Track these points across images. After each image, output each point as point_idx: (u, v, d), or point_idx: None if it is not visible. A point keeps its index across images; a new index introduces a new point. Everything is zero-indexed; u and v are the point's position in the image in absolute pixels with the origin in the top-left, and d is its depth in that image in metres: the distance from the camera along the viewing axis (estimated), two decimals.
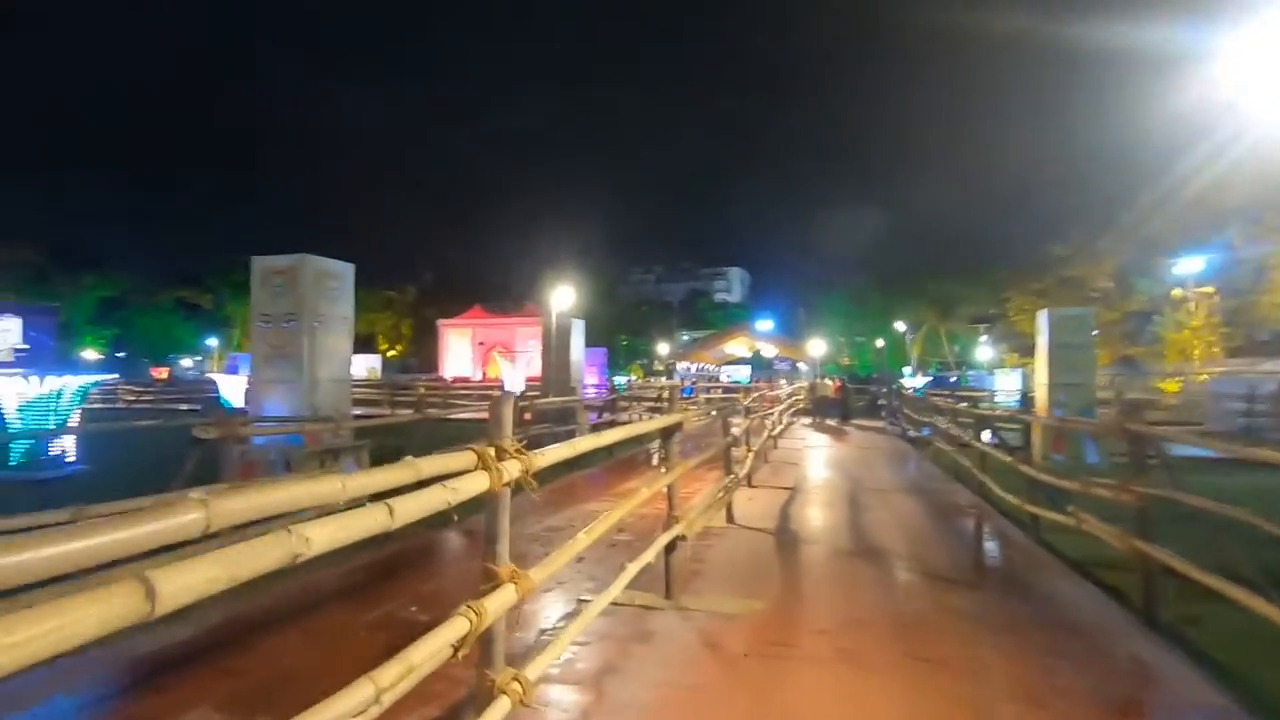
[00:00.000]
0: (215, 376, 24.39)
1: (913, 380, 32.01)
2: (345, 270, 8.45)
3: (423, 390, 17.62)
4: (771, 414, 13.40)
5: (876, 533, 6.46)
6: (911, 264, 45.99)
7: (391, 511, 1.53)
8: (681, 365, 39.08)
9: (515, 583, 2.10)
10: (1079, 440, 12.60)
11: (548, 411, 14.06)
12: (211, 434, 5.29)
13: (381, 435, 8.59)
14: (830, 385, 20.65)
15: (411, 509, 1.61)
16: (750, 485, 9.02)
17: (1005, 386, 36.31)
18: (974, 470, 8.58)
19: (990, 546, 6.33)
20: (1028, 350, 42.00)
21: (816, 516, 7.37)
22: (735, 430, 8.29)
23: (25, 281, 37.94)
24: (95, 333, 45.36)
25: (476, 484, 1.95)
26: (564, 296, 15.72)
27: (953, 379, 41.68)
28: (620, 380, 39.82)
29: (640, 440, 9.90)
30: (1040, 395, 13.19)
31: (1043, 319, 13.25)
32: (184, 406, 22.46)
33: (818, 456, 12.67)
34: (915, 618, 4.23)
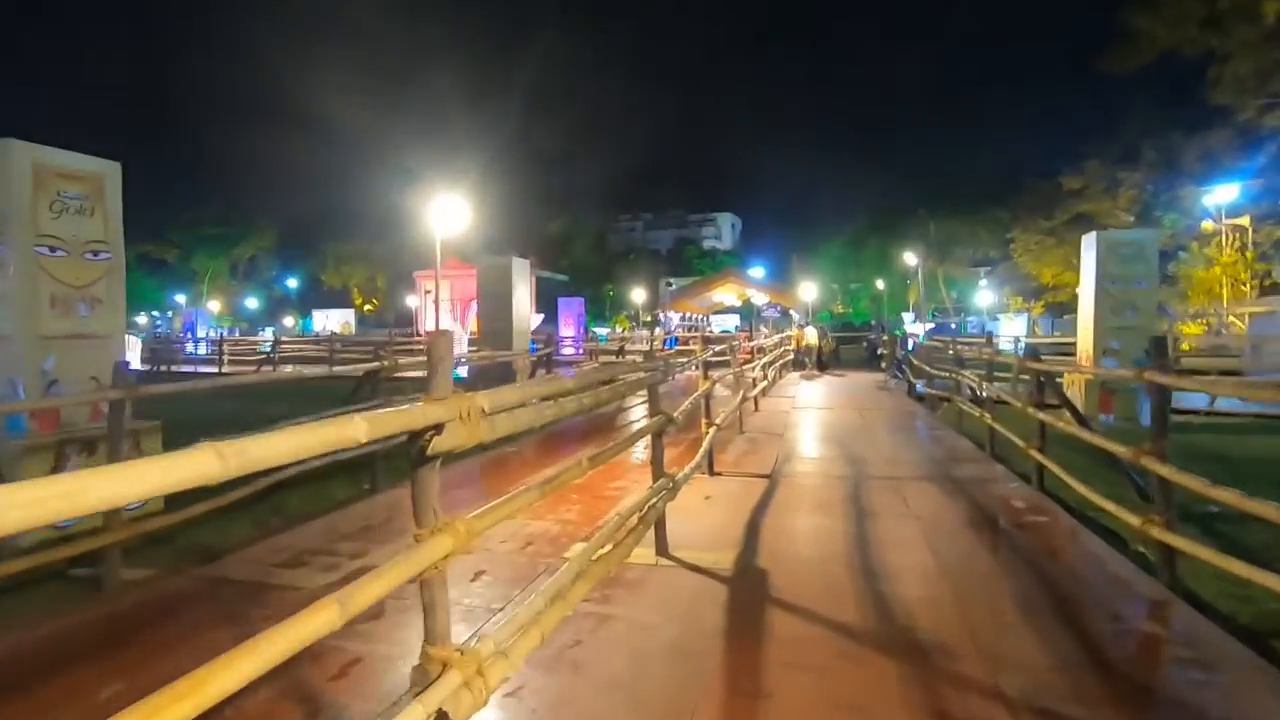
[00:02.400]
0: None
1: (913, 327, 29.23)
2: (96, 170, 5.56)
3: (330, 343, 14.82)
4: (750, 370, 10.66)
5: (903, 583, 3.77)
6: (909, 205, 42.69)
7: None
8: (667, 315, 36.21)
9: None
10: (1131, 397, 9.95)
11: (486, 369, 11.36)
12: None
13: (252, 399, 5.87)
14: (810, 334, 17.92)
15: None
16: (711, 473, 6.35)
17: (1009, 331, 33.78)
18: (1028, 448, 5.90)
19: (1111, 615, 3.62)
20: (1032, 293, 39.27)
21: (800, 537, 4.69)
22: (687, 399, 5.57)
23: None
24: None
25: None
26: (452, 210, 12.76)
27: (953, 325, 38.96)
28: (602, 332, 37.03)
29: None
30: (1084, 341, 10.46)
31: (1089, 245, 10.43)
32: None
33: (808, 423, 9.99)
34: None
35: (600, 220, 57.82)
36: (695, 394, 6.20)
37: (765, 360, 13.09)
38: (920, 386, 12.33)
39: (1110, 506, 4.32)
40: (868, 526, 4.79)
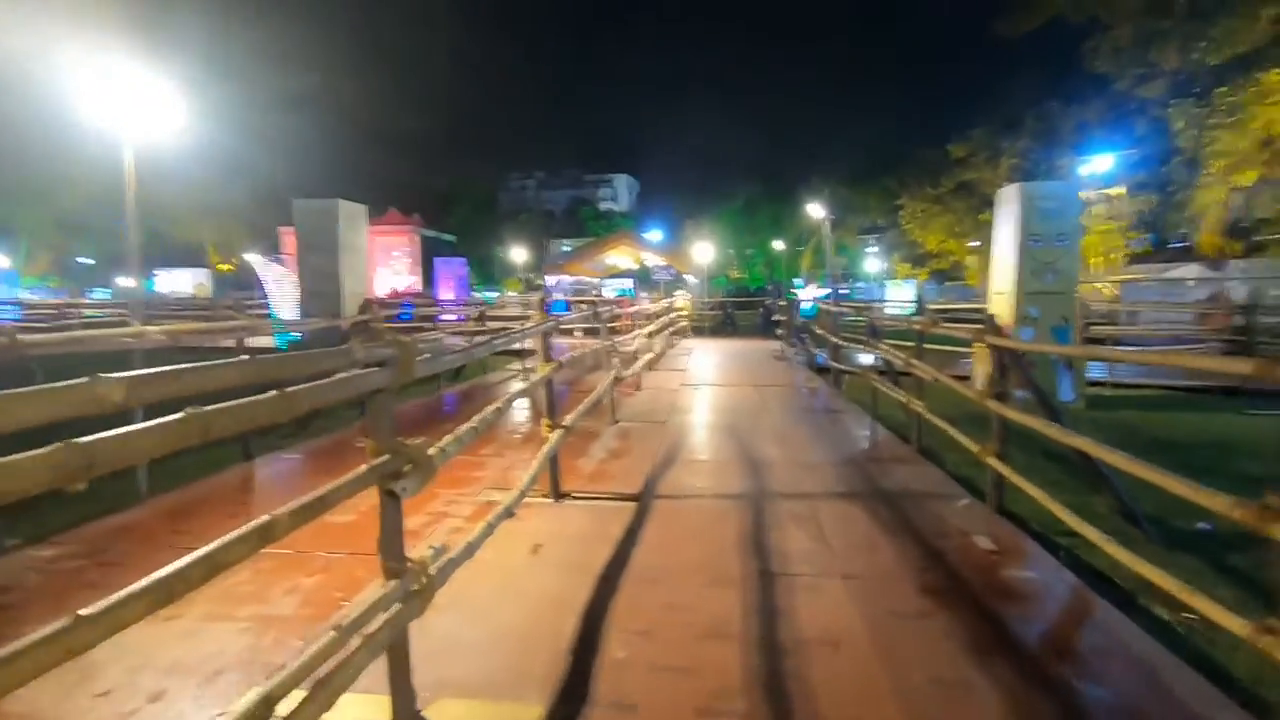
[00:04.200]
0: None
1: (805, 292, 28.40)
2: None
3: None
4: (629, 342, 8.72)
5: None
6: (804, 172, 42.03)
7: None
8: (556, 278, 33.76)
9: None
10: (1049, 370, 8.84)
11: (309, 344, 8.83)
12: None
13: None
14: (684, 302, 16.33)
15: None
16: (556, 495, 4.37)
17: (897, 297, 33.82)
18: (983, 454, 4.29)
19: None
20: (919, 260, 39.72)
21: (672, 644, 2.77)
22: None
23: None
24: None
25: None
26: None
27: (844, 290, 38.86)
28: (490, 295, 34.16)
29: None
30: (1002, 308, 9.21)
31: (1010, 198, 9.11)
32: None
33: (698, 405, 8.19)
34: None
35: (491, 178, 54.05)
36: (532, 381, 4.16)
37: (650, 329, 11.21)
38: (822, 357, 10.87)
39: (1124, 555, 2.66)
40: (779, 602, 2.95)
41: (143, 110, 4.79)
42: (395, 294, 31.97)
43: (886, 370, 7.28)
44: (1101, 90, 23.62)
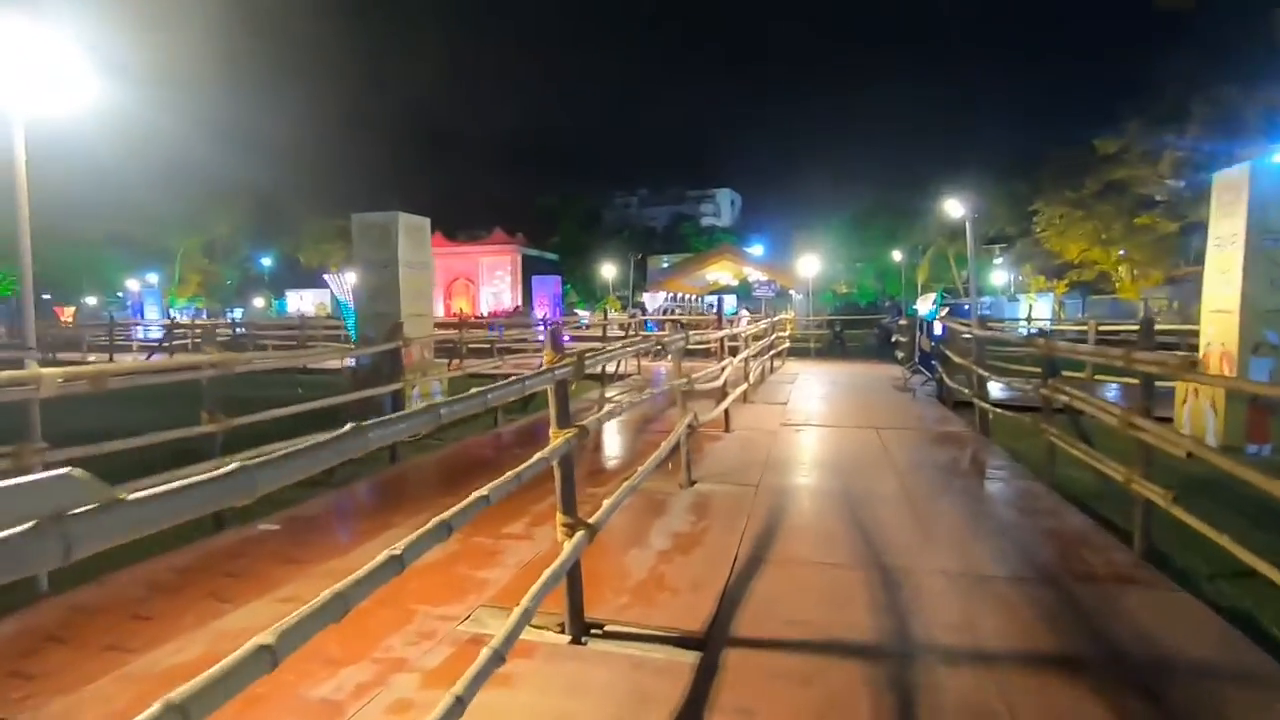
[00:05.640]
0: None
1: (921, 305, 25.48)
2: None
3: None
4: (714, 372, 7.05)
5: None
6: (919, 180, 38.55)
7: None
8: (654, 295, 32.44)
9: None
10: None
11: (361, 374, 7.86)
12: None
13: None
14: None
15: None
16: (581, 633, 2.81)
17: (1034, 313, 29.92)
18: None
19: None
20: (1056, 271, 35.25)
21: None
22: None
23: None
24: (5, 270, 38.78)
25: None
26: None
27: (965, 306, 35.12)
28: (584, 315, 33.40)
29: None
30: (1221, 331, 6.79)
31: (1232, 183, 6.71)
32: None
33: (801, 457, 6.41)
34: None
35: (594, 197, 53.77)
36: (550, 450, 2.65)
37: (748, 353, 9.48)
38: (948, 387, 8.71)
39: None
40: None
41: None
42: (494, 313, 31.94)
43: (1055, 409, 5.24)
44: None
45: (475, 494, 2.00)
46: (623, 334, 20.77)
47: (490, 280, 43.23)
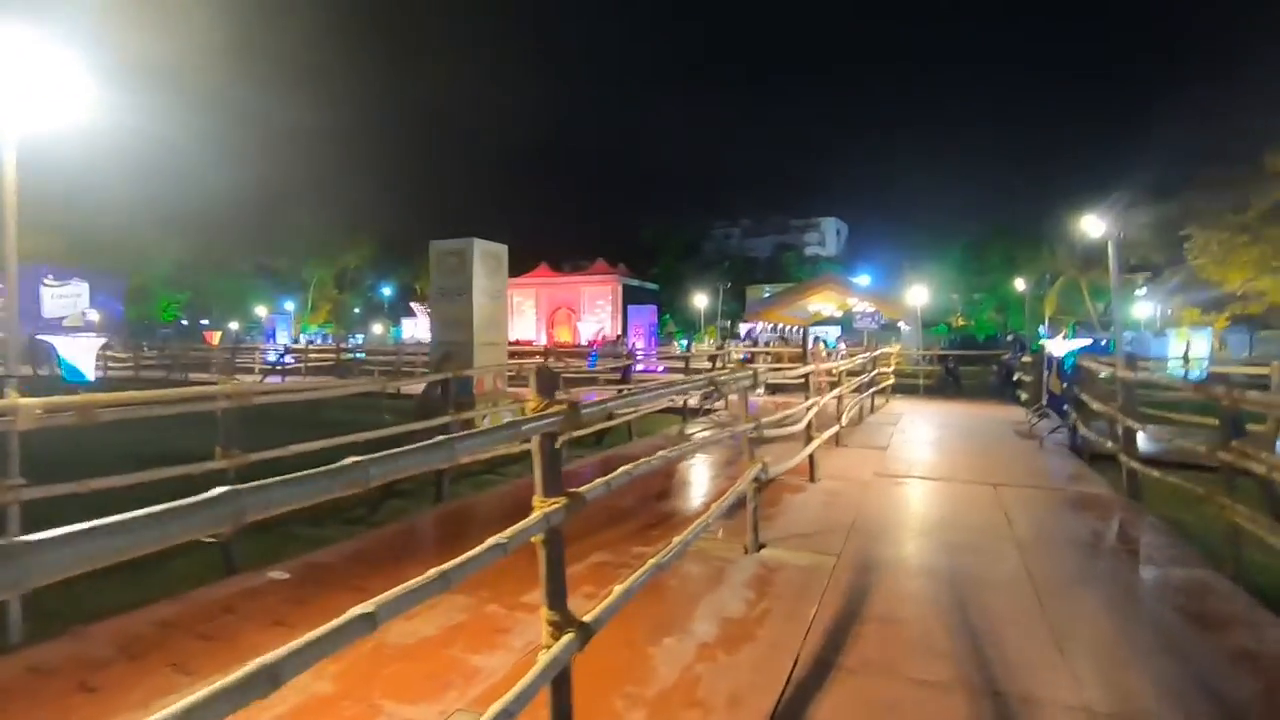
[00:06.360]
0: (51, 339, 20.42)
1: (1054, 344, 22.92)
2: None
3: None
4: (797, 414, 6.16)
5: None
6: (1045, 205, 35.42)
7: None
8: (751, 325, 31.36)
9: None
10: None
11: (429, 402, 7.59)
12: None
13: None
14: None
15: None
16: None
17: (1190, 353, 26.30)
18: None
19: None
20: (1213, 304, 31.02)
21: None
22: None
23: (105, 246, 35.58)
24: (169, 297, 43.52)
25: None
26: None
27: (1101, 342, 31.50)
28: (682, 344, 32.80)
29: None
30: None
31: None
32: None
33: (898, 520, 5.41)
34: None
35: (695, 227, 53.48)
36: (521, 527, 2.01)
37: (840, 390, 8.48)
38: (1083, 436, 7.28)
39: None
40: None
41: None
42: (594, 343, 32.09)
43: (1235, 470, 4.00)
44: None
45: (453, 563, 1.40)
46: (710, 365, 19.96)
47: (592, 310, 43.64)
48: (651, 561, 2.65)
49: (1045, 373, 10.34)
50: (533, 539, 2.05)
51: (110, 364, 22.80)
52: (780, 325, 34.92)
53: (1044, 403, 10.19)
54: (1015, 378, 13.05)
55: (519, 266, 45.38)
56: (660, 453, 2.94)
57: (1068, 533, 4.89)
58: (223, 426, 3.70)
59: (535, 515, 2.06)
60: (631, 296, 43.27)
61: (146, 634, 3.06)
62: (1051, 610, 3.45)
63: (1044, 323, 34.35)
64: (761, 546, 4.33)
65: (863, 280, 39.37)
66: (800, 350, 10.65)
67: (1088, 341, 22.04)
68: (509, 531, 1.90)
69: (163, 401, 3.71)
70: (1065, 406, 8.89)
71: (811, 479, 6.28)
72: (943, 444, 8.96)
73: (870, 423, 10.69)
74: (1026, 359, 12.32)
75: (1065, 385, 8.88)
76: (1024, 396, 11.46)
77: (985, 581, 3.85)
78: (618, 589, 2.40)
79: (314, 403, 5.90)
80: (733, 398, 13.98)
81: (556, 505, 2.08)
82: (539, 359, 11.42)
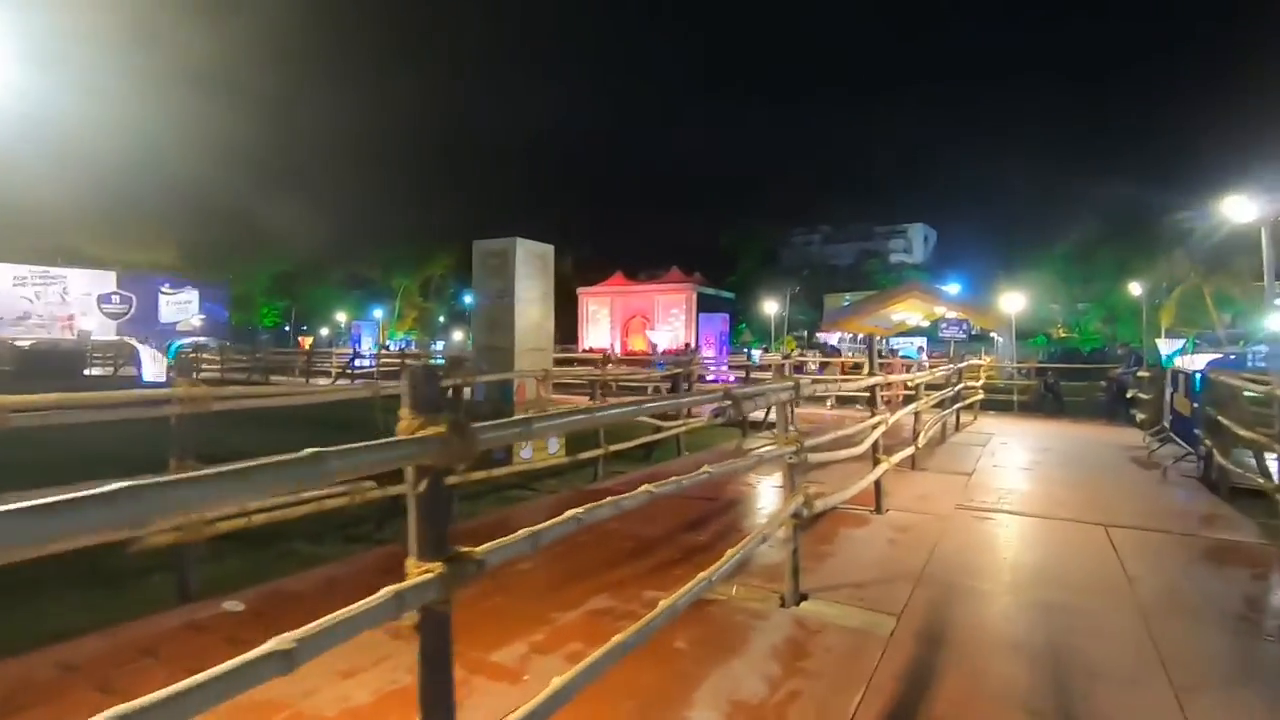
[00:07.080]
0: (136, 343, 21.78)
1: (1180, 357, 20.35)
2: None
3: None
4: (866, 430, 5.25)
5: None
6: (1163, 200, 32.00)
7: None
8: (828, 336, 29.86)
9: None
10: None
11: (478, 406, 7.16)
12: None
13: None
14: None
15: None
16: None
17: None
18: None
19: None
20: None
21: None
22: None
23: (208, 258, 38.33)
24: (269, 304, 46.33)
25: None
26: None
27: (1232, 356, 27.95)
28: (755, 354, 31.62)
29: None
30: None
31: None
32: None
33: (981, 570, 4.46)
34: None
35: (773, 234, 52.00)
36: None
37: (915, 406, 7.45)
38: (1221, 467, 5.94)
39: None
40: None
41: None
42: (667, 351, 31.48)
43: None
44: None
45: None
46: (770, 375, 18.86)
47: (666, 318, 43.07)
48: (617, 640, 1.94)
49: (1169, 390, 8.84)
50: (400, 622, 1.39)
51: (203, 365, 24.10)
52: (858, 335, 33.25)
53: (1166, 425, 8.70)
54: (1130, 395, 11.39)
55: (596, 275, 45.43)
56: (644, 487, 2.22)
57: (1209, 597, 3.79)
58: (176, 435, 3.27)
59: (411, 582, 1.40)
60: (706, 305, 42.39)
61: (51, 676, 2.61)
62: (1194, 714, 2.48)
63: (1160, 334, 31.00)
64: (803, 598, 3.51)
65: (952, 289, 36.88)
66: (860, 360, 9.61)
67: (1218, 355, 19.46)
68: (378, 595, 1.25)
69: (88, 405, 3.31)
70: (1196, 430, 7.45)
71: (877, 509, 5.35)
72: (1040, 471, 7.72)
73: (953, 443, 9.48)
74: (1143, 374, 10.70)
75: (1195, 406, 7.44)
76: (1140, 417, 9.90)
77: (1098, 666, 2.89)
78: (582, 664, 1.72)
79: (335, 404, 5.49)
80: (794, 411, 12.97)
81: (434, 572, 1.41)
82: (591, 367, 10.85)
